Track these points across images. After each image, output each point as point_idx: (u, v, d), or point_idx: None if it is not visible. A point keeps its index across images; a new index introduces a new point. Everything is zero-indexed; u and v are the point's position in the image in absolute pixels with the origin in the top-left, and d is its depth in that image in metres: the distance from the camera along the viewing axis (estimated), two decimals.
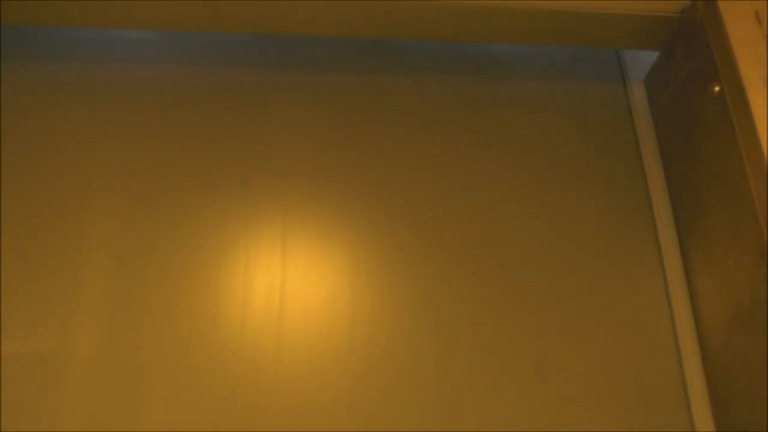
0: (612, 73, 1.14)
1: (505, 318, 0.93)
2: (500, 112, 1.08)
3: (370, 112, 1.07)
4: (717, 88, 0.87)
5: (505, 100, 1.10)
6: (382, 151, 1.03)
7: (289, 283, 0.93)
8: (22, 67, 1.05)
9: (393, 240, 0.97)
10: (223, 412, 0.85)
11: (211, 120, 1.03)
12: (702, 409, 0.88)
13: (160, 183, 0.98)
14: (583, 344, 0.92)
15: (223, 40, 1.10)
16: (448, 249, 0.97)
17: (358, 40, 1.12)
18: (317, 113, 1.05)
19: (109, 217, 0.95)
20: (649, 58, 1.10)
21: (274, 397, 0.86)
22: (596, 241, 0.98)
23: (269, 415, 0.85)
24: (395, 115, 1.07)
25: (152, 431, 0.83)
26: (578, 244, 0.98)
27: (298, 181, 1.00)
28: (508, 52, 1.14)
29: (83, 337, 0.88)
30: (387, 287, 0.94)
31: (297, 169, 1.01)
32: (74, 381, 0.85)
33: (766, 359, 0.75)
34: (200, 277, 0.92)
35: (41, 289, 0.90)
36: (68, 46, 1.08)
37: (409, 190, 1.01)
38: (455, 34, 1.04)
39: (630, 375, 0.90)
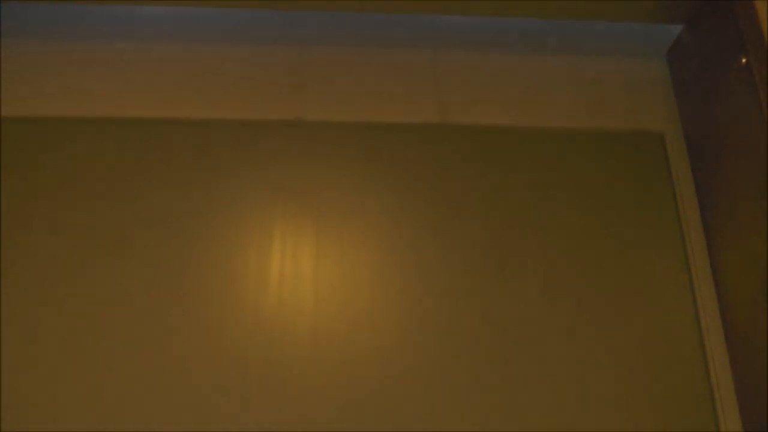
0: (631, 49, 1.11)
1: (528, 302, 0.92)
2: (517, 86, 1.07)
3: None
4: (743, 60, 0.85)
5: (523, 74, 1.08)
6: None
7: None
8: (22, 45, 1.04)
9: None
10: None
11: (240, 98, 1.02)
12: (725, 388, 0.87)
13: (185, 166, 0.97)
14: (600, 319, 0.91)
15: (239, 17, 1.09)
16: (467, 243, 0.95)
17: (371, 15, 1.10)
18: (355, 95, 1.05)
19: (133, 200, 0.95)
20: (668, 32, 1.07)
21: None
22: (615, 219, 0.97)
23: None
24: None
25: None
26: (596, 221, 0.97)
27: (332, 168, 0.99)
28: (528, 28, 1.12)
29: (108, 325, 0.88)
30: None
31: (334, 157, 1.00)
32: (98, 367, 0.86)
33: None
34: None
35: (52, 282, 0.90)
36: (70, 22, 1.06)
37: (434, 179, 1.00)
38: (471, 8, 1.02)
39: (651, 355, 0.89)
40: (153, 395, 0.84)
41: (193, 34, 1.07)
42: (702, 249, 0.95)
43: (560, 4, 1.01)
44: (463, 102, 1.04)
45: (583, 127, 1.03)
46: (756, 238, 0.82)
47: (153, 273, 0.90)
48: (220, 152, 0.98)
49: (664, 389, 0.88)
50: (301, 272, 0.92)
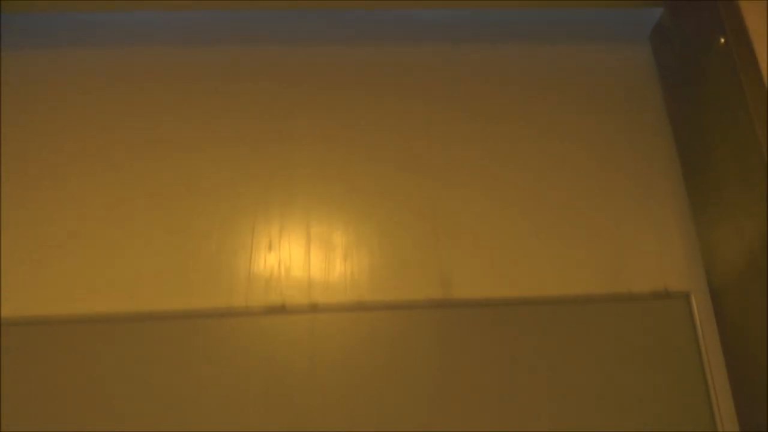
0: (614, 33, 1.13)
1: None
2: (509, 71, 1.09)
3: (373, 85, 1.08)
4: (722, 40, 0.87)
5: (514, 62, 1.10)
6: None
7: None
8: (22, 56, 1.06)
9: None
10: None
11: (228, 98, 1.05)
12: (716, 364, 0.90)
13: (178, 162, 1.00)
14: (590, 298, 0.93)
15: (227, 18, 1.11)
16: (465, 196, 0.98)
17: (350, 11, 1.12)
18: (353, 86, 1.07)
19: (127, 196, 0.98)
20: (651, 16, 1.09)
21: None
22: (601, 199, 0.99)
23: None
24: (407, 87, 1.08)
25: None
26: (584, 204, 0.99)
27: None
28: (509, 19, 1.13)
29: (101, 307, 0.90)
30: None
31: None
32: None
33: None
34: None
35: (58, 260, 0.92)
36: (70, 31, 1.09)
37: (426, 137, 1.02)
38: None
39: (641, 335, 0.91)
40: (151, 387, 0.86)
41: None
42: (686, 218, 0.98)
43: None
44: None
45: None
46: (741, 215, 0.84)
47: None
48: None
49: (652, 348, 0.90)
50: None
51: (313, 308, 0.91)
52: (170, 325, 0.90)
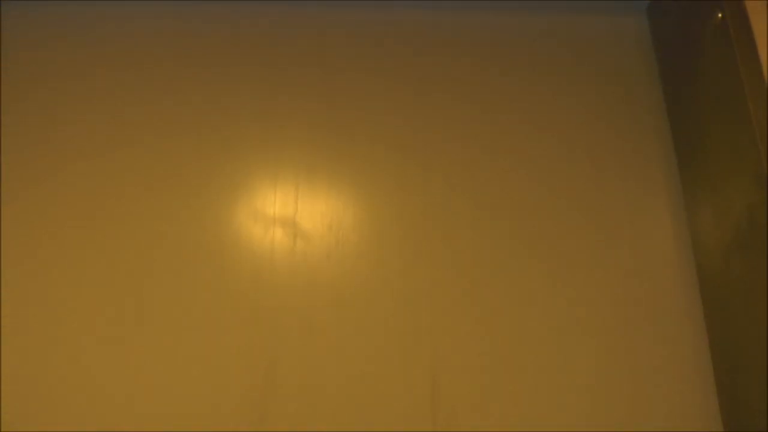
0: (611, 6, 1.12)
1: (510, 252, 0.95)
2: (502, 44, 1.08)
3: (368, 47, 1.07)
4: (720, 15, 0.86)
5: (507, 33, 1.09)
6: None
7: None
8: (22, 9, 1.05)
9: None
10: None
11: (225, 55, 1.05)
12: (698, 332, 0.91)
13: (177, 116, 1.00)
14: (578, 266, 0.94)
15: None
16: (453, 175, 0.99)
17: None
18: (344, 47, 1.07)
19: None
20: None
21: None
22: (592, 171, 1.00)
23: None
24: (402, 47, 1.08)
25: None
26: (575, 175, 0.99)
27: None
28: None
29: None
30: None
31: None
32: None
33: (760, 283, 0.77)
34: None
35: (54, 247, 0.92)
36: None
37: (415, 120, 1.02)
38: None
39: (626, 304, 0.92)
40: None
41: None
42: (677, 191, 0.98)
43: None
44: None
45: None
46: (731, 191, 0.84)
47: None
48: None
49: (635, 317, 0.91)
50: None
51: None
52: None
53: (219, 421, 0.84)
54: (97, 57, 1.04)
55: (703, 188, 0.92)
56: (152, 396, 0.85)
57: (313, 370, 0.87)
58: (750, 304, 0.80)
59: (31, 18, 1.05)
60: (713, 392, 0.87)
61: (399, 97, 1.04)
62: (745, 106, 0.79)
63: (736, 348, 0.84)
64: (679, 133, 1.00)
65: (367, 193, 0.97)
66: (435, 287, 0.92)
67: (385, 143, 1.00)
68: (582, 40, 1.09)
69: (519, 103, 1.04)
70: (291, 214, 0.95)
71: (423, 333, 0.89)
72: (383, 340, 0.89)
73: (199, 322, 0.89)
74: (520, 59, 1.07)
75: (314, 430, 0.84)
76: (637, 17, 1.11)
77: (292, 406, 0.85)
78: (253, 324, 0.88)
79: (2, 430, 0.82)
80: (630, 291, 0.93)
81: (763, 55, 0.81)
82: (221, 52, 1.06)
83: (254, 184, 0.97)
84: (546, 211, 0.97)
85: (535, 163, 1.00)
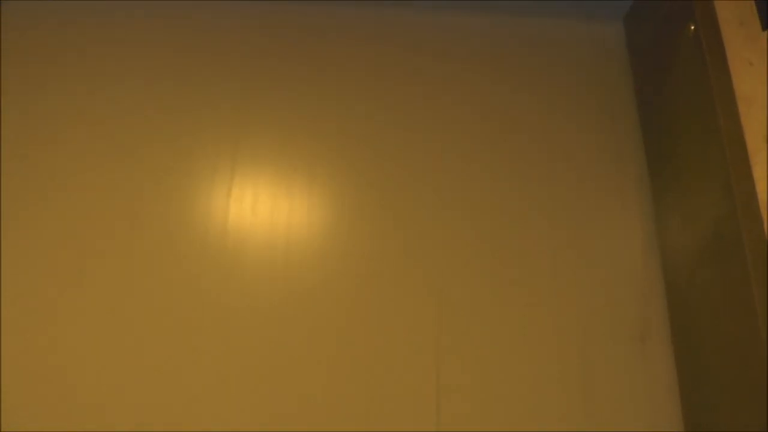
0: (590, 13, 1.13)
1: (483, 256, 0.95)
2: (479, 46, 1.08)
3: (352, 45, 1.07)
4: (692, 27, 0.87)
5: (485, 35, 1.09)
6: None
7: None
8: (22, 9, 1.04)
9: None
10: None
11: (207, 49, 1.05)
12: (663, 342, 0.92)
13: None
14: (546, 271, 0.95)
15: None
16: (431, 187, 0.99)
17: None
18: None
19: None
20: None
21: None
22: (566, 179, 1.00)
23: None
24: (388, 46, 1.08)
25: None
26: (547, 180, 1.00)
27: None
28: None
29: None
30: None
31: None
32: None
33: (727, 292, 0.78)
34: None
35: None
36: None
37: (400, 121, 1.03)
38: None
39: (593, 310, 0.93)
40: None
41: None
42: (647, 200, 0.99)
43: None
44: None
45: None
46: (698, 201, 0.85)
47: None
48: None
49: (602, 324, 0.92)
50: None
51: None
52: None
53: (220, 417, 0.85)
54: (97, 56, 1.03)
55: (672, 199, 0.93)
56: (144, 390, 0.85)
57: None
58: (715, 314, 0.81)
59: (31, 18, 1.04)
60: (677, 398, 0.89)
61: (372, 95, 1.04)
62: (715, 118, 0.81)
63: (700, 357, 0.85)
64: (651, 143, 1.01)
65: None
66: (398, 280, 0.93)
67: (357, 139, 1.01)
68: (558, 48, 1.10)
69: (491, 107, 1.04)
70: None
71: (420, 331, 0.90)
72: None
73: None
74: (496, 65, 1.08)
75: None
76: (615, 26, 1.12)
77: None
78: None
79: (2, 430, 0.82)
80: (598, 298, 0.94)
81: (734, 66, 0.82)
82: (213, 47, 1.06)
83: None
84: (515, 218, 0.97)
85: (506, 168, 1.00)
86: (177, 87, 1.02)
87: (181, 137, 0.99)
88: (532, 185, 0.99)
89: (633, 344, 0.92)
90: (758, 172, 0.76)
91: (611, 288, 0.94)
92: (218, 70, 1.04)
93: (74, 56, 1.02)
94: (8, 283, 0.89)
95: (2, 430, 0.81)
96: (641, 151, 1.02)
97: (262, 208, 0.95)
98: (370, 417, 0.85)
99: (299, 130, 1.01)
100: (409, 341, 0.89)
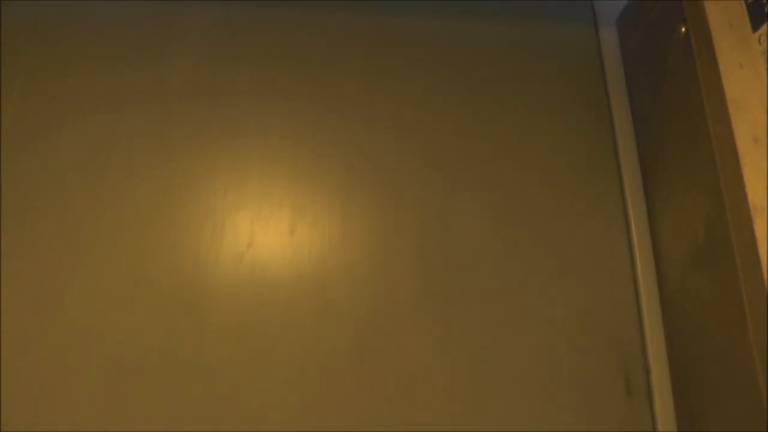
0: (583, 16, 1.13)
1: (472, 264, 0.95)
2: (469, 53, 1.08)
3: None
4: (683, 30, 0.87)
5: (474, 41, 1.09)
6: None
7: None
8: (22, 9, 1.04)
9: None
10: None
11: (208, 48, 1.04)
12: (657, 345, 0.91)
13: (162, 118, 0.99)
14: (539, 277, 0.94)
15: None
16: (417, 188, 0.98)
17: None
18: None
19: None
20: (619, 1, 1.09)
21: None
22: (559, 180, 1.00)
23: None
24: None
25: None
26: (540, 182, 1.00)
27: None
28: None
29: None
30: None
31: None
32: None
33: (718, 296, 0.78)
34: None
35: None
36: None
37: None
38: None
39: (588, 314, 0.93)
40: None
41: None
42: (640, 203, 0.99)
43: None
44: None
45: None
46: (688, 204, 0.85)
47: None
48: None
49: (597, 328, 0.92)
50: None
51: None
52: None
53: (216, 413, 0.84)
54: (96, 55, 1.03)
55: (664, 201, 0.93)
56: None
57: None
58: (706, 316, 0.80)
59: (31, 18, 1.04)
60: (670, 401, 0.89)
61: (351, 97, 1.04)
62: (704, 120, 0.80)
63: (693, 362, 0.84)
64: (643, 146, 1.00)
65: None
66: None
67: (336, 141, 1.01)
68: (552, 51, 1.09)
69: (487, 112, 1.04)
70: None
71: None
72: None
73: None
74: (488, 69, 1.07)
75: None
76: (609, 29, 1.12)
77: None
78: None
79: (2, 430, 0.82)
80: (590, 301, 0.93)
81: (724, 68, 0.82)
82: (214, 46, 1.05)
83: None
84: (505, 220, 0.97)
85: (498, 171, 1.00)
86: (177, 86, 1.02)
87: (181, 135, 0.98)
88: (522, 191, 0.99)
89: (629, 350, 0.91)
90: (748, 174, 0.75)
91: (601, 293, 0.94)
92: (219, 69, 1.03)
93: (74, 56, 1.02)
94: (8, 283, 0.88)
95: (2, 430, 0.81)
96: (634, 154, 1.01)
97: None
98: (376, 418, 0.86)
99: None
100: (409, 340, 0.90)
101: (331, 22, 1.08)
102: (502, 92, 1.05)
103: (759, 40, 0.80)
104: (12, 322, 0.86)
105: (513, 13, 1.11)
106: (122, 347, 0.87)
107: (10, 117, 0.97)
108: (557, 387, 0.89)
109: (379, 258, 0.93)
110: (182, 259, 0.91)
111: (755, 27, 0.84)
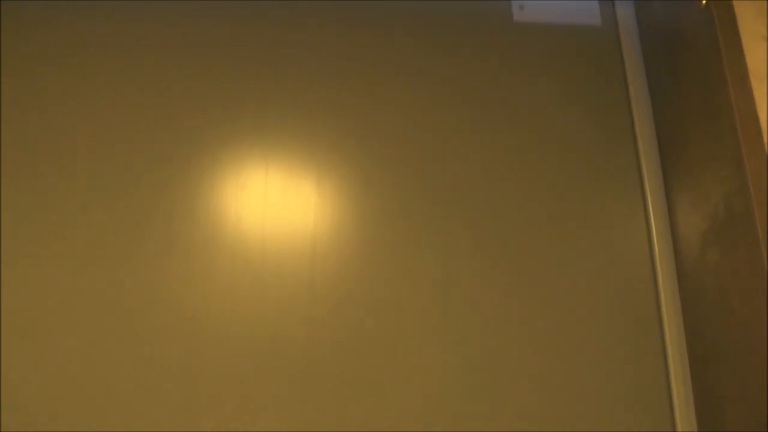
0: None
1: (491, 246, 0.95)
2: (487, 32, 1.07)
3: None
4: (704, 2, 0.85)
5: (491, 20, 1.08)
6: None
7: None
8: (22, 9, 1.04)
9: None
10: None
11: (208, 45, 1.03)
12: (675, 321, 0.91)
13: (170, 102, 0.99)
14: (555, 252, 0.94)
15: None
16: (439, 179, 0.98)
17: None
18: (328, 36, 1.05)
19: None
20: None
21: None
22: (576, 156, 0.99)
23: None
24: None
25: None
26: (556, 158, 0.99)
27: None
28: None
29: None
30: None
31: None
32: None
33: (735, 271, 0.77)
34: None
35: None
36: None
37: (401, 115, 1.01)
38: None
39: (605, 290, 0.93)
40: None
41: None
42: (657, 178, 0.98)
43: None
44: None
45: None
46: (708, 178, 0.84)
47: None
48: None
49: (614, 305, 0.92)
50: None
51: None
52: None
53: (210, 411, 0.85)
54: (96, 55, 1.02)
55: (682, 176, 0.92)
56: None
57: None
58: (723, 291, 0.80)
59: (31, 18, 1.03)
60: (688, 381, 0.89)
61: (375, 89, 1.03)
62: (726, 93, 0.79)
63: (711, 337, 0.84)
64: (662, 119, 0.99)
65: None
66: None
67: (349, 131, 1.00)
68: (568, 25, 1.08)
69: (504, 89, 1.03)
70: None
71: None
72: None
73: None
74: (506, 46, 1.06)
75: None
76: (625, 2, 1.10)
77: None
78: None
79: (2, 430, 0.82)
80: (609, 280, 0.93)
81: (747, 40, 0.80)
82: (215, 44, 1.04)
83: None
84: (523, 201, 0.96)
85: (516, 153, 0.99)
86: (177, 86, 1.01)
87: (181, 134, 0.98)
88: (541, 171, 0.99)
89: (645, 325, 0.91)
90: None
91: (619, 269, 0.94)
92: (221, 67, 1.03)
93: (74, 56, 1.01)
94: (8, 284, 0.88)
95: (2, 430, 0.82)
96: (652, 129, 1.00)
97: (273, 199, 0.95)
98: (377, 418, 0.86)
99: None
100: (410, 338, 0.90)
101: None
102: (520, 69, 1.04)
103: None
104: (12, 322, 0.87)
105: None
106: (122, 347, 0.87)
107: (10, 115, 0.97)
108: (575, 362, 0.89)
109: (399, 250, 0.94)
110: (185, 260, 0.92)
111: None
